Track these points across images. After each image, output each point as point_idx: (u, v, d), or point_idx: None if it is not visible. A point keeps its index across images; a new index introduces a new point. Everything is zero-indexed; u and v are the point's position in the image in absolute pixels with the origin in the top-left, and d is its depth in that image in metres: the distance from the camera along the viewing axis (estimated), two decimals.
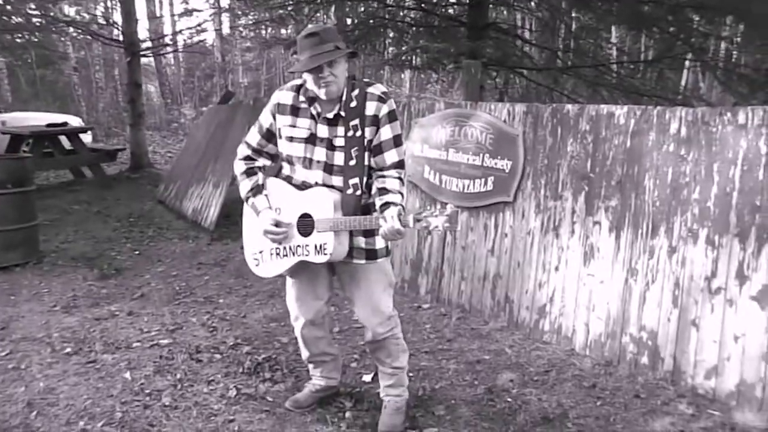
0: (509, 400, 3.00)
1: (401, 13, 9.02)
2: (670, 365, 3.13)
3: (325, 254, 2.38)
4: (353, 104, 2.42)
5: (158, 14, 20.81)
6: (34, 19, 12.97)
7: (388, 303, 2.67)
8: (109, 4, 20.22)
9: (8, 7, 11.95)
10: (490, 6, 7.60)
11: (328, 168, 2.45)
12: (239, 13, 20.11)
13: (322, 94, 2.37)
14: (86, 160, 9.17)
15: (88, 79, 20.40)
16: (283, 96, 2.51)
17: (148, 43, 12.87)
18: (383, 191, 2.38)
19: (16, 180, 5.09)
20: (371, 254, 2.52)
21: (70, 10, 17.44)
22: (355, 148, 2.42)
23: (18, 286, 4.67)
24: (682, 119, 3.06)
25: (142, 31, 19.14)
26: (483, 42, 6.71)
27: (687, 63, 9.59)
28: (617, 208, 3.35)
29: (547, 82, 8.24)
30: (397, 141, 2.46)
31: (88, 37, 14.01)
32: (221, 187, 6.10)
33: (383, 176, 2.43)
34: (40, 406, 2.87)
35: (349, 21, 11.52)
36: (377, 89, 2.46)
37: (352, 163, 2.42)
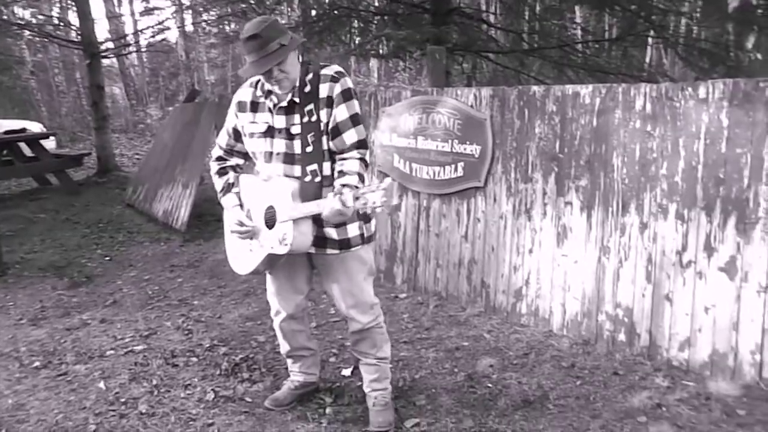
0: (489, 385, 3.00)
1: (365, 2, 8.94)
2: (646, 340, 3.16)
3: (286, 245, 2.31)
4: (307, 89, 2.37)
5: (118, 13, 20.37)
6: None
7: (370, 291, 2.63)
8: (64, 4, 19.71)
9: None
10: None
11: (288, 158, 2.41)
12: (201, 9, 19.80)
13: (276, 89, 2.37)
14: (49, 166, 8.94)
15: (47, 83, 19.91)
16: (242, 93, 2.49)
17: (109, 44, 12.56)
18: (341, 174, 2.33)
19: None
20: (344, 243, 2.47)
21: (24, 13, 16.97)
22: (312, 133, 2.36)
23: None
24: (646, 95, 3.07)
25: (102, 31, 18.78)
26: (447, 27, 6.68)
27: (650, 40, 9.68)
28: (587, 188, 3.36)
29: (514, 65, 8.24)
30: (355, 120, 2.38)
31: (45, 39, 13.64)
32: (191, 187, 6.00)
33: (343, 158, 2.37)
34: (9, 423, 2.78)
35: (313, 12, 11.41)
36: (330, 70, 2.40)
37: (309, 149, 2.37)
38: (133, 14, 20.96)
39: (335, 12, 8.57)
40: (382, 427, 2.64)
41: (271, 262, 2.48)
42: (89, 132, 15.69)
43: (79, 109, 19.07)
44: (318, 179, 2.36)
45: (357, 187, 2.19)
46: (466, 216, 3.97)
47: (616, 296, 3.28)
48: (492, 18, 9.52)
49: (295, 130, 2.39)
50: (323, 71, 2.39)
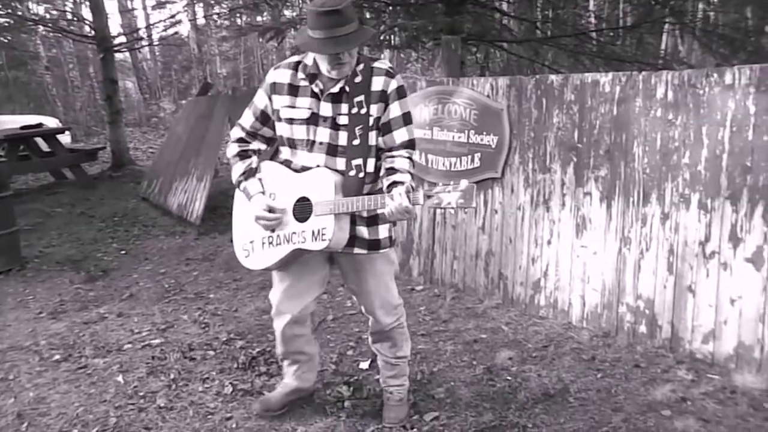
0: (509, 378, 2.97)
1: None
2: (668, 332, 3.11)
3: (324, 240, 2.17)
4: (358, 79, 2.23)
5: (130, 8, 20.43)
6: (1, 19, 12.68)
7: (395, 292, 2.58)
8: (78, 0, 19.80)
9: None
10: None
11: (332, 149, 2.28)
12: (212, 2, 19.82)
13: (334, 74, 2.20)
14: (65, 161, 8.99)
15: (62, 78, 20.04)
16: (280, 74, 2.33)
17: (122, 38, 12.60)
18: (391, 171, 2.23)
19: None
20: (374, 244, 2.37)
21: (38, 8, 17.08)
22: (360, 126, 2.24)
23: (2, 294, 4.57)
24: (668, 83, 3.00)
25: (115, 26, 18.84)
26: (461, 17, 6.60)
27: (666, 27, 9.53)
28: (607, 178, 3.30)
29: (528, 54, 8.15)
30: (407, 119, 2.30)
31: (59, 34, 13.71)
32: (205, 181, 5.99)
33: (392, 156, 2.27)
34: (31, 417, 2.80)
35: None
36: (384, 64, 2.29)
37: (356, 142, 2.24)
38: (145, 8, 21.03)
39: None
40: (393, 422, 2.61)
41: (293, 258, 2.35)
42: (103, 126, 15.79)
43: (93, 104, 19.20)
44: (362, 174, 2.24)
45: (413, 186, 2.12)
46: (483, 207, 3.93)
47: (637, 288, 3.23)
48: (505, 6, 9.42)
49: (342, 120, 2.26)
50: (375, 64, 2.27)
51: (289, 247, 2.29)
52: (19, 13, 12.44)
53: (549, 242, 3.61)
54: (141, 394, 2.96)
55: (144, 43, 14.85)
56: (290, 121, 2.30)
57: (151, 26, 17.29)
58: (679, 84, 2.96)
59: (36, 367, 3.33)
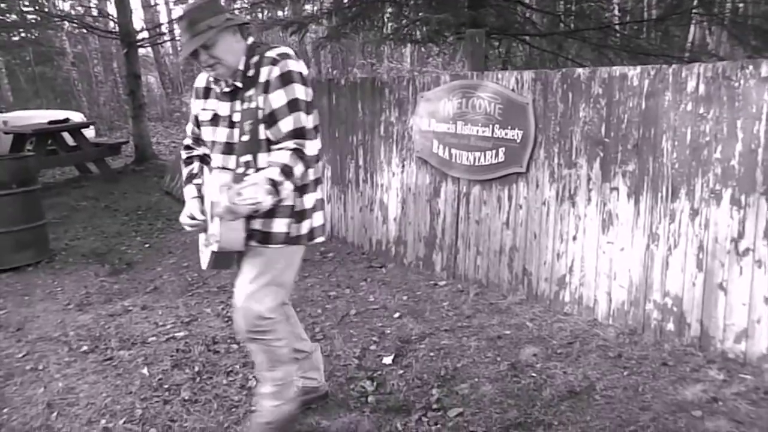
0: (534, 375, 2.94)
1: None
2: (697, 331, 3.05)
3: (217, 241, 2.10)
4: (250, 73, 2.20)
5: (153, 3, 20.58)
6: (29, 16, 12.87)
7: (261, 300, 2.24)
8: None
9: (2, 5, 11.84)
10: None
11: (228, 148, 2.25)
12: None
13: (212, 76, 2.25)
14: (90, 155, 9.11)
15: (87, 73, 20.28)
16: (199, 79, 2.38)
17: (145, 33, 12.70)
18: (268, 165, 2.09)
19: (21, 180, 5.04)
20: (265, 238, 2.23)
21: (64, 5, 17.30)
22: (249, 121, 2.18)
23: (31, 285, 4.64)
24: (700, 76, 2.93)
25: (138, 21, 18.98)
26: (484, 10, 6.54)
27: (693, 19, 9.35)
28: (635, 173, 3.25)
29: (552, 48, 8.05)
30: (293, 106, 2.14)
31: (84, 30, 13.87)
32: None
33: (277, 148, 2.13)
34: (60, 406, 2.84)
35: None
36: (274, 52, 2.19)
37: (245, 138, 2.18)
38: (167, 3, 21.17)
39: None
40: None
41: (223, 260, 2.26)
42: (126, 121, 15.95)
43: (117, 99, 19.40)
44: (251, 171, 2.16)
45: (276, 180, 1.98)
46: (508, 202, 3.89)
47: (665, 285, 3.18)
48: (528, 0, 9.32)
49: (236, 117, 2.23)
50: (267, 53, 2.19)
51: (209, 249, 2.23)
52: (46, 9, 12.61)
53: (574, 238, 3.56)
54: (166, 386, 2.98)
55: (166, 38, 14.95)
56: (201, 123, 2.35)
57: (174, 21, 17.39)
58: (712, 77, 2.89)
59: (65, 357, 3.38)
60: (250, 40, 2.28)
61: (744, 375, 2.81)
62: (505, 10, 7.52)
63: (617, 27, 8.10)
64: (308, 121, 2.17)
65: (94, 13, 15.00)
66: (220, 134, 2.27)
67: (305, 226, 2.30)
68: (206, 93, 2.34)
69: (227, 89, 2.25)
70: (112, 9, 11.69)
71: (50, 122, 9.27)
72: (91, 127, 10.76)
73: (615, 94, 3.29)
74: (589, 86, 3.40)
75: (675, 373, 2.88)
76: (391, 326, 3.56)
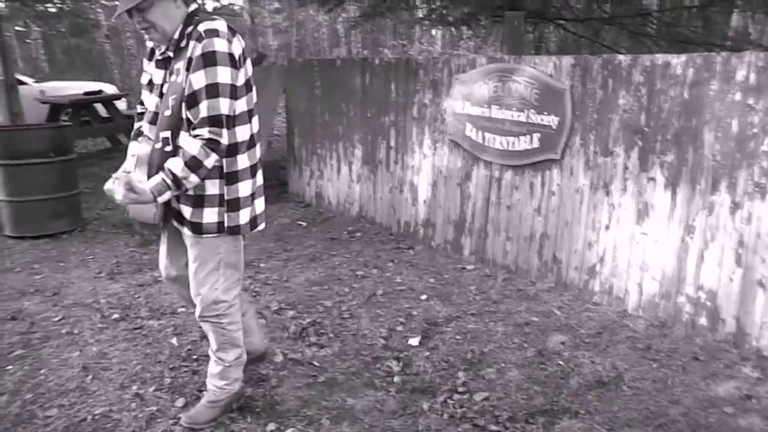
0: (561, 363, 2.92)
1: None
2: (732, 327, 3.00)
3: (127, 212, 2.22)
4: (183, 43, 2.11)
5: None
6: None
7: (213, 285, 2.29)
8: None
9: None
10: None
11: (153, 118, 2.21)
12: None
13: (147, 40, 2.22)
14: (122, 127, 9.20)
15: (119, 46, 20.46)
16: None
17: None
18: (178, 152, 2.07)
19: (59, 149, 5.11)
20: (196, 228, 2.21)
21: None
22: (173, 96, 2.09)
23: (66, 253, 4.73)
24: (751, 65, 2.84)
25: None
26: None
27: (736, 6, 9.08)
28: (673, 163, 3.18)
29: (588, 34, 7.89)
30: (211, 91, 2.01)
31: (118, 2, 13.92)
32: None
33: (192, 134, 2.05)
34: (95, 370, 2.91)
35: None
36: (204, 26, 2.05)
37: (167, 113, 2.10)
38: None
39: None
40: (187, 420, 2.44)
41: (143, 223, 2.31)
42: None
43: None
44: (168, 148, 2.10)
45: (173, 173, 2.01)
46: (540, 189, 3.85)
47: (699, 278, 3.12)
48: None
49: (165, 89, 2.16)
50: (199, 26, 2.06)
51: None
52: None
53: (607, 227, 3.51)
54: (194, 357, 3.03)
55: None
56: (142, 85, 2.34)
57: None
58: (763, 66, 2.80)
59: (97, 323, 3.44)
60: (193, 6, 2.17)
61: None
62: None
63: (656, 14, 7.89)
64: (228, 107, 2.06)
65: None
66: (151, 102, 2.26)
67: (243, 216, 2.25)
68: (151, 55, 2.29)
69: (160, 57, 2.20)
70: None
71: (85, 93, 9.38)
72: (124, 99, 10.87)
73: (656, 83, 3.21)
74: (630, 74, 3.32)
75: (707, 368, 2.84)
76: (418, 308, 3.56)
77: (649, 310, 3.35)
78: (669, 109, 3.17)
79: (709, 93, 3.00)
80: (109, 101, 9.20)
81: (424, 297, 3.72)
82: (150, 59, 2.29)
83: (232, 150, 2.15)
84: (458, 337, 3.20)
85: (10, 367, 2.96)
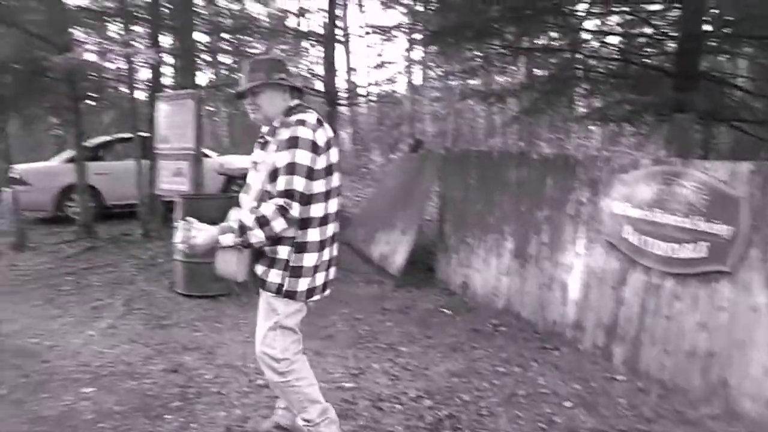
0: None
1: (595, 64, 8.67)
2: None
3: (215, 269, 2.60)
4: (278, 131, 2.52)
5: (354, 67, 22.33)
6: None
7: (271, 344, 2.61)
8: (312, 59, 22.12)
9: (234, 65, 13.57)
10: (703, 53, 6.98)
11: (249, 189, 2.61)
12: (431, 65, 20.90)
13: (251, 119, 2.63)
14: None
15: None
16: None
17: (345, 94, 13.78)
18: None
19: (227, 217, 5.60)
20: (263, 284, 2.56)
21: None
22: (263, 172, 2.51)
23: (222, 314, 5.09)
24: None
25: (341, 82, 20.68)
26: (693, 93, 6.17)
27: None
28: None
29: None
30: (289, 168, 2.40)
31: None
32: (409, 234, 6.20)
33: (271, 202, 2.42)
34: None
35: (539, 72, 11.34)
36: (296, 117, 2.48)
37: (258, 186, 2.53)
38: (367, 67, 22.86)
39: (563, 73, 8.42)
40: None
41: (227, 280, 2.71)
42: None
43: None
44: None
45: (242, 228, 2.40)
46: (707, 302, 3.54)
47: None
48: (741, 82, 8.63)
49: (260, 167, 2.55)
50: (292, 117, 2.49)
51: None
52: None
53: None
54: None
55: (363, 99, 16.05)
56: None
57: (372, 85, 18.70)
58: None
59: (244, 387, 3.63)
60: (295, 102, 2.60)
61: None
62: (718, 94, 7.04)
63: None
64: (302, 185, 2.41)
65: (304, 74, 16.61)
66: (250, 176, 2.65)
67: (303, 283, 2.54)
68: (260, 137, 2.70)
69: (260, 140, 2.64)
70: (320, 70, 12.86)
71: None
72: None
73: None
74: None
75: None
76: (561, 415, 3.36)
77: None
78: None
79: None
80: None
81: (568, 404, 3.50)
82: (259, 140, 2.74)
83: (305, 223, 2.49)
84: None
85: (168, 417, 3.19)
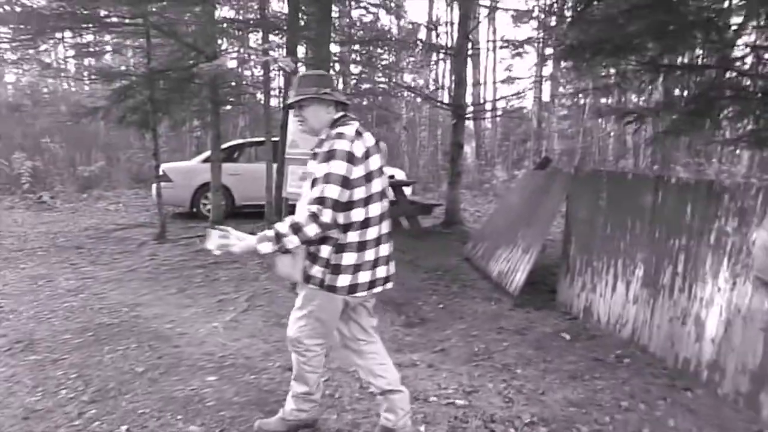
0: None
1: (747, 82, 7.97)
2: None
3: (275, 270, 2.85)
4: (323, 143, 2.73)
5: (482, 81, 22.17)
6: (380, 86, 14.90)
7: (301, 327, 2.89)
8: (439, 71, 22.24)
9: (363, 76, 13.94)
10: None
11: (303, 199, 2.78)
12: (561, 81, 20.33)
13: (300, 130, 2.97)
14: (406, 211, 9.98)
15: (413, 137, 22.60)
16: None
17: (471, 108, 13.70)
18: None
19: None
20: (306, 277, 2.79)
21: (408, 77, 19.65)
22: (309, 181, 2.72)
23: None
24: None
25: (468, 96, 20.64)
26: None
27: None
28: None
29: None
30: (326, 178, 2.60)
31: (418, 100, 15.49)
32: (530, 253, 6.00)
33: (306, 209, 2.63)
34: None
35: (677, 92, 10.63)
36: (337, 130, 2.70)
37: (305, 194, 2.74)
38: (494, 82, 22.60)
39: (709, 93, 7.81)
40: (262, 424, 3.14)
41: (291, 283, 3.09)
42: (438, 184, 17.23)
43: (434, 163, 21.15)
44: None
45: (278, 234, 2.63)
46: None
47: None
48: None
49: (309, 177, 2.74)
50: (334, 129, 2.72)
51: None
52: (394, 81, 14.46)
53: None
54: None
55: (489, 114, 15.89)
56: None
57: (500, 99, 18.45)
58: None
59: (356, 392, 3.65)
60: (340, 114, 2.83)
61: None
62: None
63: None
64: (337, 193, 2.61)
65: (431, 86, 16.73)
66: (304, 186, 2.81)
67: (342, 280, 2.75)
68: (312, 149, 2.88)
69: (310, 151, 2.84)
70: (447, 83, 12.89)
71: None
72: (410, 185, 11.85)
73: None
74: None
75: None
76: None
77: None
78: None
79: None
80: (398, 186, 10.10)
81: None
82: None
83: (346, 227, 2.70)
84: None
85: None
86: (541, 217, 6.35)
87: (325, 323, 2.88)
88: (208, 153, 10.27)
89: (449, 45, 14.00)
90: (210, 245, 2.73)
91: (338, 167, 2.61)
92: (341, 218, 2.67)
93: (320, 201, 2.60)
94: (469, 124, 21.09)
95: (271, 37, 10.74)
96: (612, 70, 9.24)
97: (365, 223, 2.73)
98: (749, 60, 7.77)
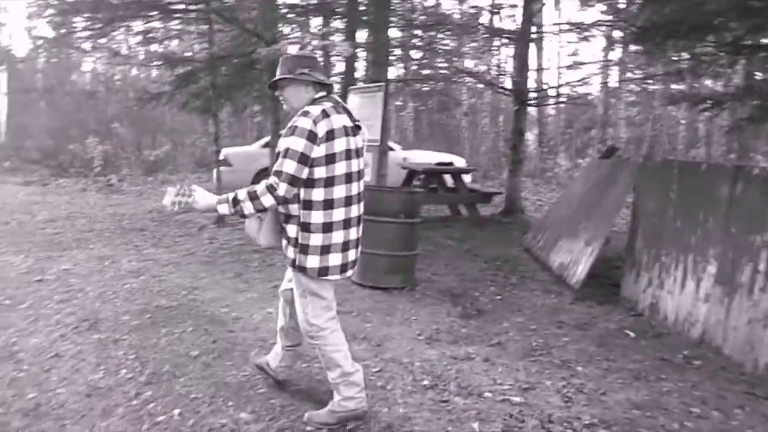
0: None
1: None
2: None
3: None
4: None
5: (545, 66, 21.54)
6: (441, 71, 14.68)
7: (304, 309, 2.96)
8: (502, 57, 21.74)
9: (425, 61, 13.76)
10: None
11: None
12: (630, 66, 19.52)
13: (284, 109, 3.05)
14: (464, 199, 9.81)
15: (474, 124, 22.26)
16: None
17: (534, 94, 13.30)
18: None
19: (407, 211, 5.62)
20: (289, 260, 2.90)
21: (469, 63, 19.30)
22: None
23: (393, 308, 5.10)
24: None
25: (530, 81, 20.13)
26: None
27: None
28: None
29: None
30: (285, 152, 2.71)
31: (485, 86, 15.17)
32: (593, 246, 5.74)
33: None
34: (399, 430, 2.99)
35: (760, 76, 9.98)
36: (306, 108, 2.81)
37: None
38: (558, 67, 21.93)
39: None
40: (311, 416, 3.06)
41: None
42: (499, 172, 16.91)
43: (495, 150, 20.77)
44: None
45: (233, 198, 2.78)
46: None
47: None
48: None
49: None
50: (305, 108, 2.82)
51: None
52: (456, 66, 14.20)
53: None
54: None
55: (552, 100, 15.42)
56: None
57: (564, 85, 17.84)
58: None
59: (408, 386, 3.57)
60: (320, 94, 2.93)
61: None
62: None
63: None
64: (293, 168, 2.70)
65: (493, 72, 16.36)
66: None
67: (312, 261, 2.84)
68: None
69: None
70: (509, 69, 12.56)
71: (438, 163, 10.31)
72: (470, 173, 11.64)
73: None
74: None
75: None
76: None
77: None
78: None
79: None
80: (457, 173, 9.93)
81: None
82: None
83: (307, 205, 2.81)
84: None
85: None
86: (606, 208, 6.07)
87: (322, 296, 2.97)
88: (268, 138, 10.35)
89: (512, 29, 13.61)
90: (165, 201, 2.85)
91: (296, 144, 2.71)
92: (302, 194, 2.79)
93: (277, 174, 2.72)
94: (532, 110, 20.53)
95: (333, 23, 10.71)
96: (685, 54, 8.76)
97: (328, 204, 2.82)
98: None
